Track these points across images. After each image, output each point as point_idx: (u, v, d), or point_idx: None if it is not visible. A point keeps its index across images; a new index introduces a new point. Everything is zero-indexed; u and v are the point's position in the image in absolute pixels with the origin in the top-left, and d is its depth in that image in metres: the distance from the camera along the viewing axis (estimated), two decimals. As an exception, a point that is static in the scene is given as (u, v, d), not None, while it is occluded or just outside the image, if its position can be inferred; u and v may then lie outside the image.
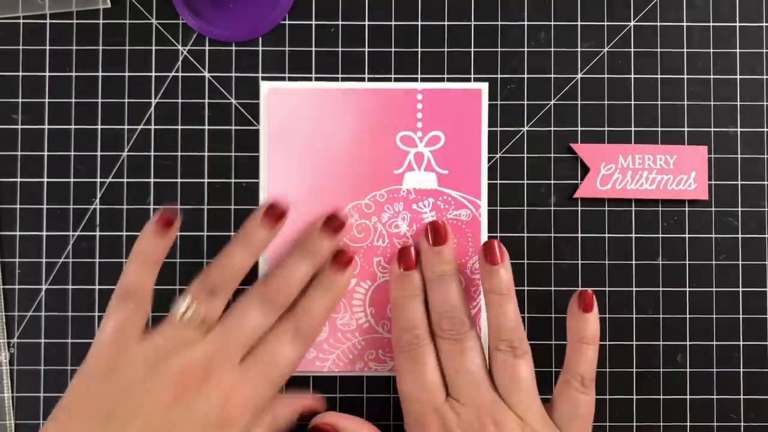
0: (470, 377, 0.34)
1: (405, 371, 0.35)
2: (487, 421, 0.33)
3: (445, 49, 0.39)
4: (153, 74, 0.39)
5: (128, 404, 0.32)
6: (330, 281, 0.36)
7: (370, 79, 0.39)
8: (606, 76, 0.39)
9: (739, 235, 0.39)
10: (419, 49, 0.39)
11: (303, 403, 0.36)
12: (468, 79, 0.39)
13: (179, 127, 0.39)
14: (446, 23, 0.39)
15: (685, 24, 0.39)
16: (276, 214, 0.36)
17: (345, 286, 0.37)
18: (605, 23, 0.39)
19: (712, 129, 0.39)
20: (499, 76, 0.39)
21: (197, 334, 0.34)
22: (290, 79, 0.39)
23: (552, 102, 0.39)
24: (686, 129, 0.39)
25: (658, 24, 0.39)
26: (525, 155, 0.39)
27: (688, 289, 0.39)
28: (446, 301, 0.35)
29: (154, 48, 0.39)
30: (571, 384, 0.34)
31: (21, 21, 0.39)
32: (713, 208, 0.39)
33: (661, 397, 0.39)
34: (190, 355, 0.33)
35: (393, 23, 0.39)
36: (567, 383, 0.34)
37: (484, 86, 0.39)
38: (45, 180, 0.39)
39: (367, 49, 0.39)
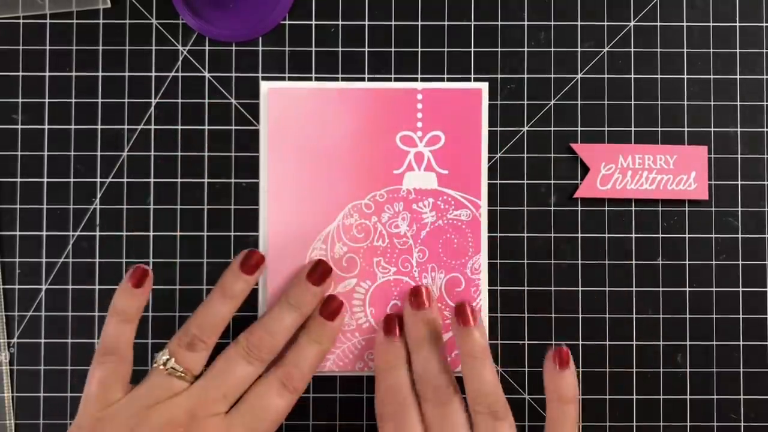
0: None
1: None
2: None
3: (445, 49, 0.39)
4: (153, 74, 0.39)
5: None
6: (318, 331, 0.36)
7: (370, 79, 0.39)
8: (606, 76, 0.39)
9: (739, 235, 0.39)
10: (419, 49, 0.39)
11: None
12: (468, 79, 0.39)
13: (179, 127, 0.39)
14: (446, 23, 0.39)
15: (685, 24, 0.39)
16: (252, 263, 0.36)
17: (334, 335, 0.37)
18: (605, 23, 0.39)
19: (712, 129, 0.39)
20: (499, 76, 0.39)
21: (181, 385, 0.34)
22: (290, 79, 0.39)
23: (552, 102, 0.39)
24: (686, 129, 0.39)
25: (658, 24, 0.39)
26: (525, 155, 0.39)
27: (688, 289, 0.39)
28: (430, 367, 0.35)
29: (154, 48, 0.39)
30: None
31: (21, 21, 0.39)
32: (713, 208, 0.39)
33: (661, 397, 0.39)
34: (174, 407, 0.33)
35: (393, 23, 0.39)
36: None
37: (484, 86, 0.39)
38: (45, 180, 0.39)
39: (367, 49, 0.39)
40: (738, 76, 0.39)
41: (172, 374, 0.34)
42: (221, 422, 0.33)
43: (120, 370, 0.34)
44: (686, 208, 0.39)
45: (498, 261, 0.39)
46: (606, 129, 0.39)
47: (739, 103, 0.39)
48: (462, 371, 0.35)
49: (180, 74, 0.39)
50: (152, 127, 0.39)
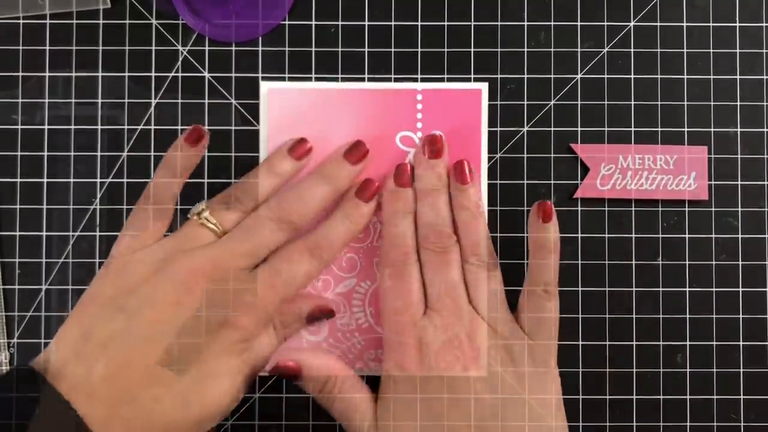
0: (451, 288, 0.35)
1: (391, 288, 0.36)
2: (461, 331, 0.34)
3: (445, 49, 0.39)
4: (153, 74, 0.39)
5: (135, 300, 0.32)
6: (351, 210, 0.36)
7: (370, 79, 0.39)
8: (606, 76, 0.39)
9: (739, 235, 0.39)
10: (419, 49, 0.39)
11: (312, 302, 0.37)
12: (468, 79, 0.39)
13: (179, 127, 0.39)
14: (446, 23, 0.39)
15: (685, 24, 0.39)
16: (302, 149, 0.37)
17: (366, 216, 0.37)
18: (605, 23, 0.39)
19: (712, 129, 0.39)
20: (499, 76, 0.39)
21: (210, 237, 0.35)
22: (290, 79, 0.39)
23: (552, 102, 0.39)
24: (686, 129, 0.39)
25: (658, 24, 0.39)
26: (525, 155, 0.39)
27: (688, 289, 0.39)
28: (435, 214, 0.36)
29: (154, 48, 0.39)
30: (536, 292, 0.35)
31: (21, 21, 0.39)
32: (713, 208, 0.39)
33: (661, 397, 0.39)
34: (199, 256, 0.33)
35: (393, 23, 0.39)
36: (532, 292, 0.35)
37: (484, 86, 0.39)
38: (45, 180, 0.39)
39: (367, 49, 0.39)
40: (738, 76, 0.39)
41: (204, 225, 0.35)
42: (243, 276, 0.34)
43: (159, 220, 0.35)
44: (686, 208, 0.39)
45: (498, 261, 0.39)
46: (606, 129, 0.39)
47: (739, 103, 0.39)
48: (457, 225, 0.36)
49: (180, 74, 0.39)
50: (152, 127, 0.39)
